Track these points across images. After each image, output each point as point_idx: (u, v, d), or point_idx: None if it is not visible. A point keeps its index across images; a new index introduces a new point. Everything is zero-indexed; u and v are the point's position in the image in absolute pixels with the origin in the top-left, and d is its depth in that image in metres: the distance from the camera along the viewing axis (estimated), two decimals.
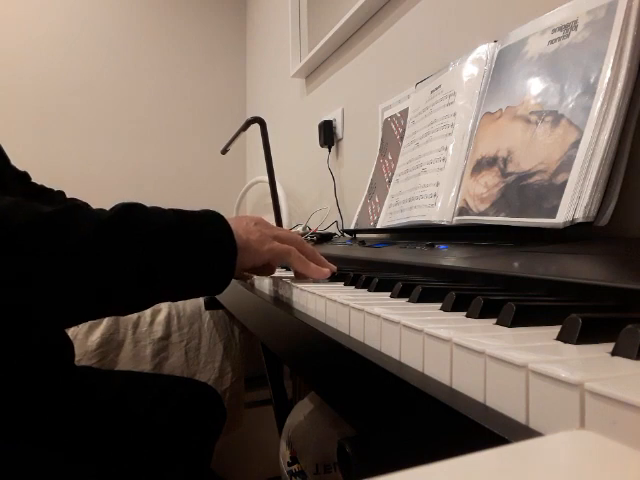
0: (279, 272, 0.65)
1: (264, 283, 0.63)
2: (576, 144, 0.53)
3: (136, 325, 1.22)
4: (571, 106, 0.55)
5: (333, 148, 1.55)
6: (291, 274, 0.60)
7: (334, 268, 0.55)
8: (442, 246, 0.66)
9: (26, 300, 0.39)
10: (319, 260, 0.55)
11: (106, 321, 1.19)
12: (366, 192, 1.07)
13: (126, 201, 0.45)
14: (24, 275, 0.38)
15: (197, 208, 0.49)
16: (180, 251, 0.43)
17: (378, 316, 0.31)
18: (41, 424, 0.58)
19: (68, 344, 0.76)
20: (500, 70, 0.70)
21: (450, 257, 0.58)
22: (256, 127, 1.44)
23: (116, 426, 0.69)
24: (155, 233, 0.42)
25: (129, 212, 0.43)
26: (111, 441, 0.66)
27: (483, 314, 0.30)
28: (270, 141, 1.43)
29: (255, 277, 0.66)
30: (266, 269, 0.57)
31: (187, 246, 0.44)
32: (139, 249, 0.41)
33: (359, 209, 1.08)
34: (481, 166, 0.66)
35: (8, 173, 0.74)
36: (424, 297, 0.37)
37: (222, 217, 0.48)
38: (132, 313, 0.46)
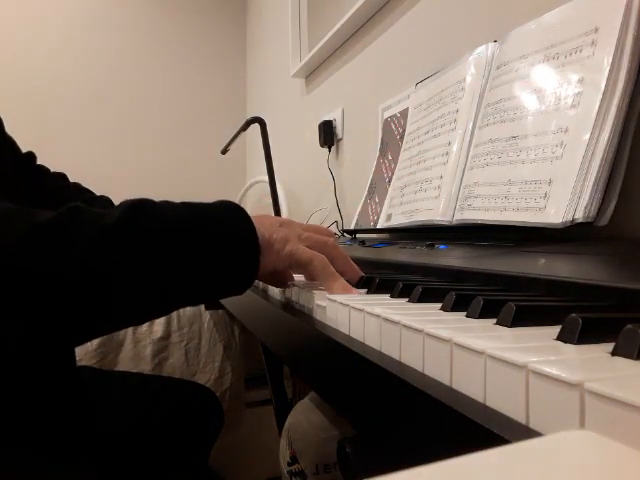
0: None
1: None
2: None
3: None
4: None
5: (333, 148, 1.55)
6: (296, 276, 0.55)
7: (362, 275, 0.50)
8: (442, 246, 0.66)
9: (34, 326, 0.36)
10: (350, 268, 0.50)
11: None
12: (366, 192, 1.07)
13: (132, 198, 0.40)
14: (29, 299, 0.34)
15: None
16: (197, 250, 0.39)
17: (378, 316, 0.31)
18: (40, 425, 0.58)
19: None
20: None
21: (450, 257, 0.58)
22: (256, 127, 1.44)
23: (114, 427, 0.69)
24: (167, 233, 0.38)
25: (136, 212, 0.38)
26: (109, 442, 0.66)
27: (483, 314, 0.30)
28: (270, 141, 1.43)
29: None
30: (280, 278, 0.51)
31: (205, 243, 0.39)
32: (151, 254, 0.37)
33: (359, 209, 1.08)
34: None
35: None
36: (424, 297, 0.37)
37: (242, 209, 0.43)
38: (149, 320, 0.41)
